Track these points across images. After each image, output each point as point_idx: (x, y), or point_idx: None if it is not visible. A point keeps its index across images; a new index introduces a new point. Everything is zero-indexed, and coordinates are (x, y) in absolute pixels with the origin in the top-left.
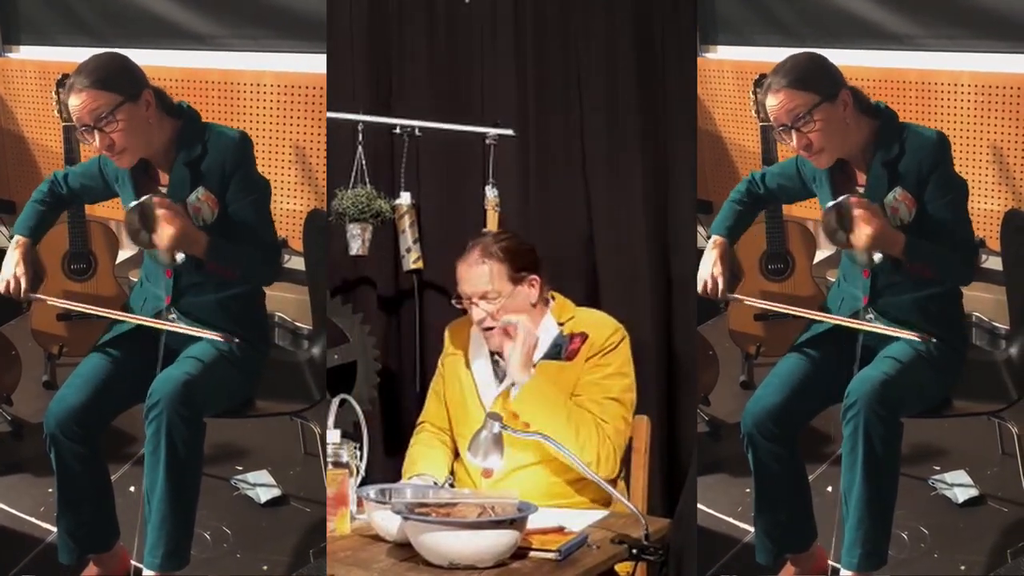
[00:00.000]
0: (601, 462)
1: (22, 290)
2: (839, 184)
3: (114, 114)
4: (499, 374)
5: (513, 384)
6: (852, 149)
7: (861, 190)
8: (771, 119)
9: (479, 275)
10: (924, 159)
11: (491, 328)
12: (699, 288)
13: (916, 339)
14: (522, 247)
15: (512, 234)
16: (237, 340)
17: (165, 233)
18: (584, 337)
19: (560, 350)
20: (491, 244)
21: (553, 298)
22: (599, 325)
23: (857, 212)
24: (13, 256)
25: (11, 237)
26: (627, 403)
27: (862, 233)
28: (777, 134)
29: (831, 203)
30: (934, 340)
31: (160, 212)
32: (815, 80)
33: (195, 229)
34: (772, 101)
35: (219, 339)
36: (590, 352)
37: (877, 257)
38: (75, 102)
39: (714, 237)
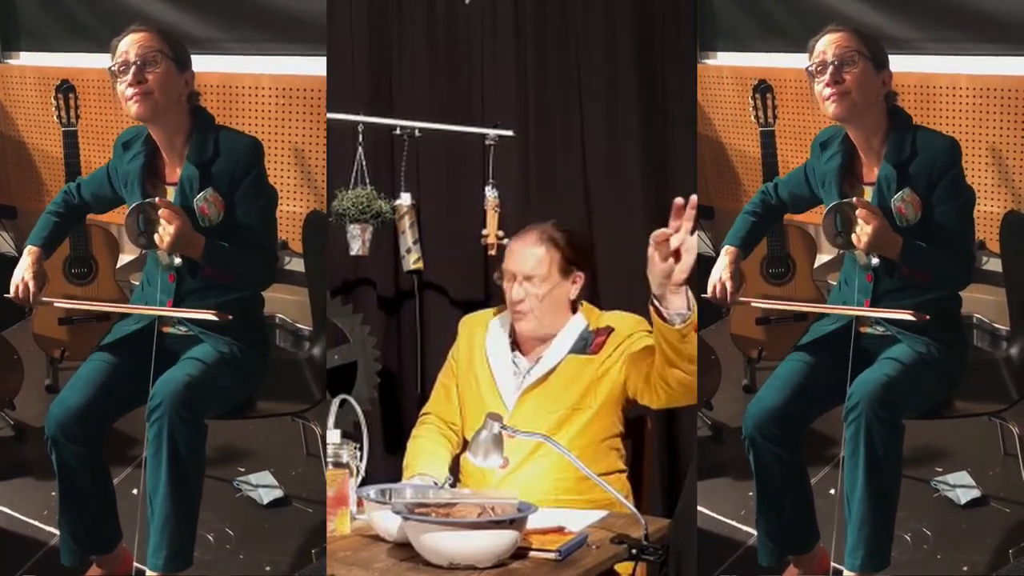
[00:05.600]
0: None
1: (31, 294)
2: (846, 184)
3: (158, 60)
4: (519, 367)
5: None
6: (865, 129)
7: (869, 189)
8: (814, 58)
9: (531, 256)
10: (936, 163)
11: (523, 312)
12: (708, 293)
13: (917, 341)
14: (580, 242)
15: (573, 229)
16: (232, 336)
17: (167, 232)
18: (609, 331)
19: (586, 344)
20: (551, 230)
21: (581, 304)
22: (625, 318)
23: (859, 212)
24: (25, 262)
25: (24, 247)
26: None
27: (863, 232)
28: (809, 73)
29: (833, 203)
30: (934, 342)
31: (162, 212)
32: (872, 43)
33: (194, 231)
34: (826, 40)
35: (220, 338)
36: (617, 341)
37: (875, 260)
38: (129, 40)
39: (727, 247)
